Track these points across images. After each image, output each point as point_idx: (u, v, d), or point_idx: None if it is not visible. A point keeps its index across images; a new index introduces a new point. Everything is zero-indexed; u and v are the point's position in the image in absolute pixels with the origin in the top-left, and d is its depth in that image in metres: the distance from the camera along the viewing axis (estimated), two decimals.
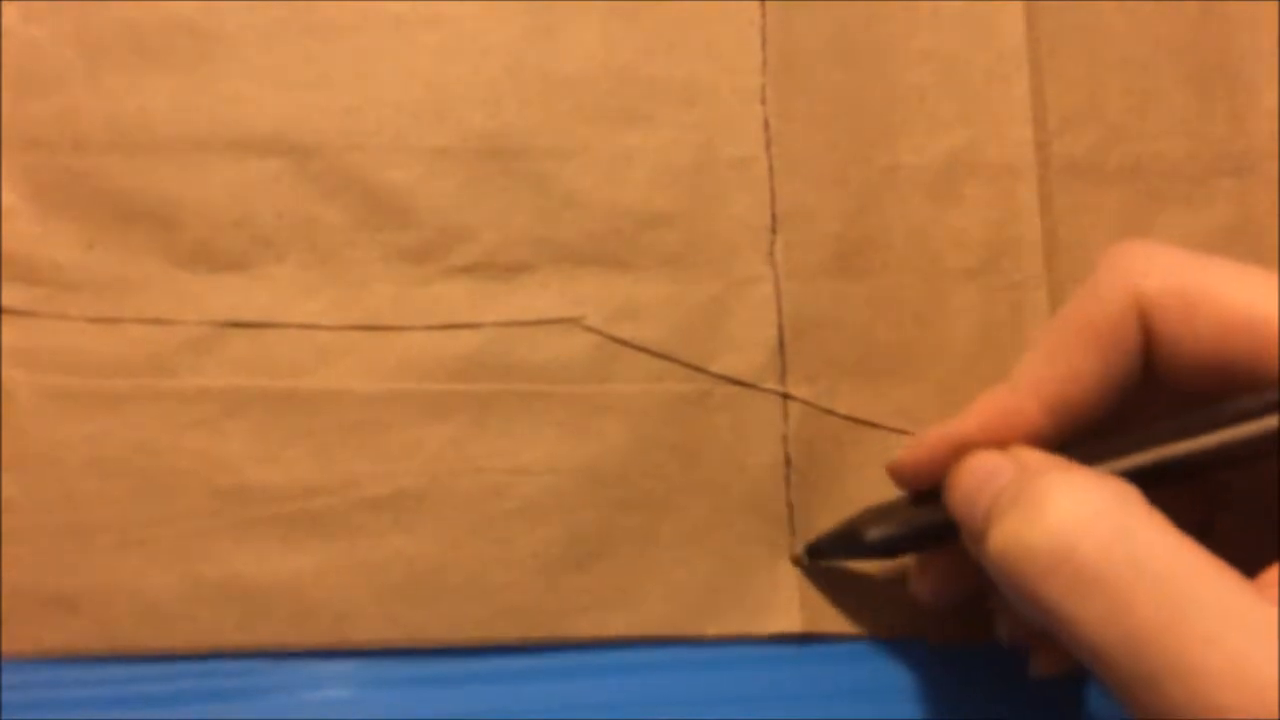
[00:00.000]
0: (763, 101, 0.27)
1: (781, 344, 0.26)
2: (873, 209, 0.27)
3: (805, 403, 0.25)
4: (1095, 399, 0.21)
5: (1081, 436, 0.21)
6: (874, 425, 0.26)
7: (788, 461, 0.25)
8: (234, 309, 0.25)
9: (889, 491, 0.24)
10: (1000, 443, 0.21)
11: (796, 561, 0.25)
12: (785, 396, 0.25)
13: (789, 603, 0.24)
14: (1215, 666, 0.16)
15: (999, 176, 0.28)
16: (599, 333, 0.25)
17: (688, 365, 0.25)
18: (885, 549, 0.23)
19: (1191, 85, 0.28)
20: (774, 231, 0.26)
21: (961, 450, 0.21)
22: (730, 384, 0.25)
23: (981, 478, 0.20)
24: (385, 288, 0.25)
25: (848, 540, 0.24)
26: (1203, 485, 0.22)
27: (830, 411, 0.25)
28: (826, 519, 0.25)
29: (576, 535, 0.24)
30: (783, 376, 0.25)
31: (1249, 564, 0.18)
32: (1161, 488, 0.19)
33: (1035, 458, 0.20)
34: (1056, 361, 0.21)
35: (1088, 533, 0.18)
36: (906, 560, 0.24)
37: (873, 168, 0.27)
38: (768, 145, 0.27)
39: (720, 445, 0.25)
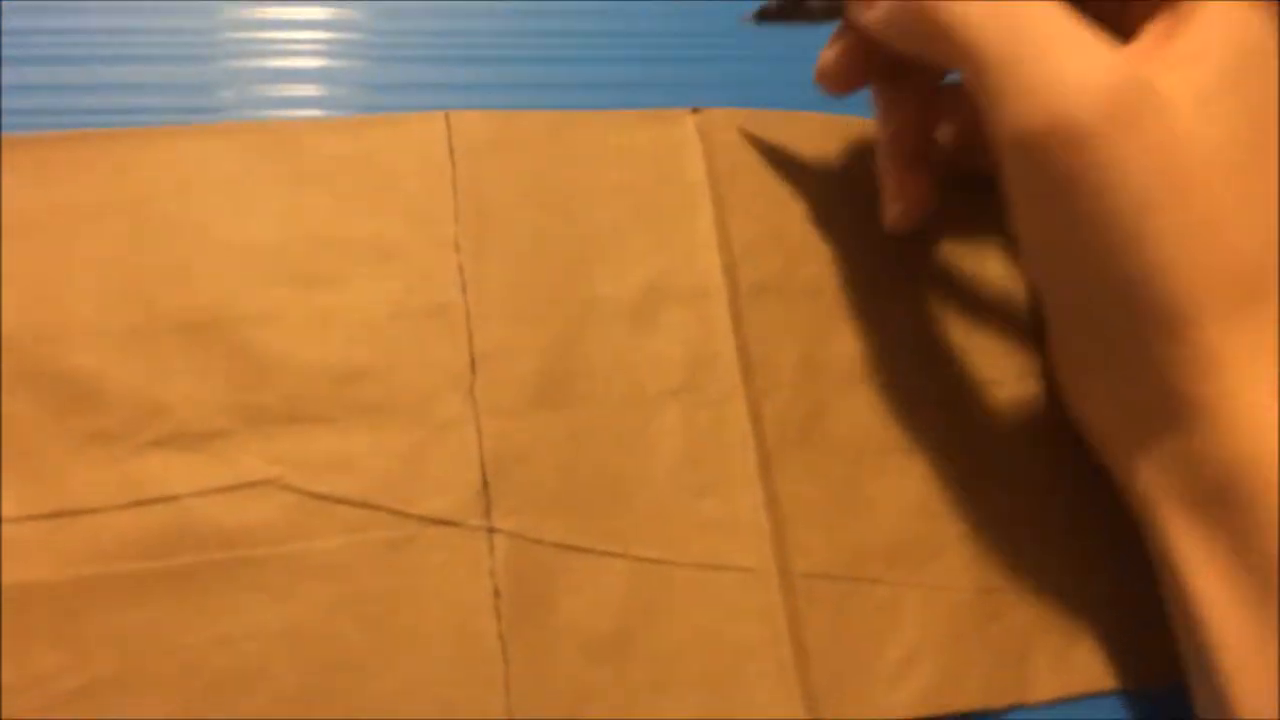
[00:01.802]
0: (457, 249, 0.28)
1: (485, 482, 0.26)
2: (573, 342, 0.28)
3: (511, 534, 0.26)
4: None
5: None
6: (581, 550, 0.26)
7: (497, 594, 0.25)
8: None
9: (609, 614, 0.26)
10: None
11: (746, 20, 0.29)
12: (490, 530, 0.26)
13: None
14: (1064, 51, 0.22)
15: (693, 299, 0.29)
16: (299, 490, 0.25)
17: (390, 511, 0.26)
18: (820, 13, 0.28)
19: (866, 205, 0.30)
20: (474, 373, 0.27)
21: None
22: (435, 525, 0.26)
23: None
24: (78, 473, 0.25)
25: (794, 2, 0.28)
26: None
27: (537, 540, 0.26)
28: (542, 647, 0.25)
29: (280, 704, 0.24)
30: (488, 512, 0.26)
31: None
32: None
33: None
34: None
35: None
36: None
37: (571, 302, 0.28)
38: (463, 289, 0.28)
39: (428, 589, 0.25)
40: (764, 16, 0.29)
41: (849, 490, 0.28)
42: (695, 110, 0.31)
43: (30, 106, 0.28)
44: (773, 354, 0.29)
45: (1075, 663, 0.27)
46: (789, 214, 0.30)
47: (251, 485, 0.25)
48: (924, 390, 0.29)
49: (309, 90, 0.30)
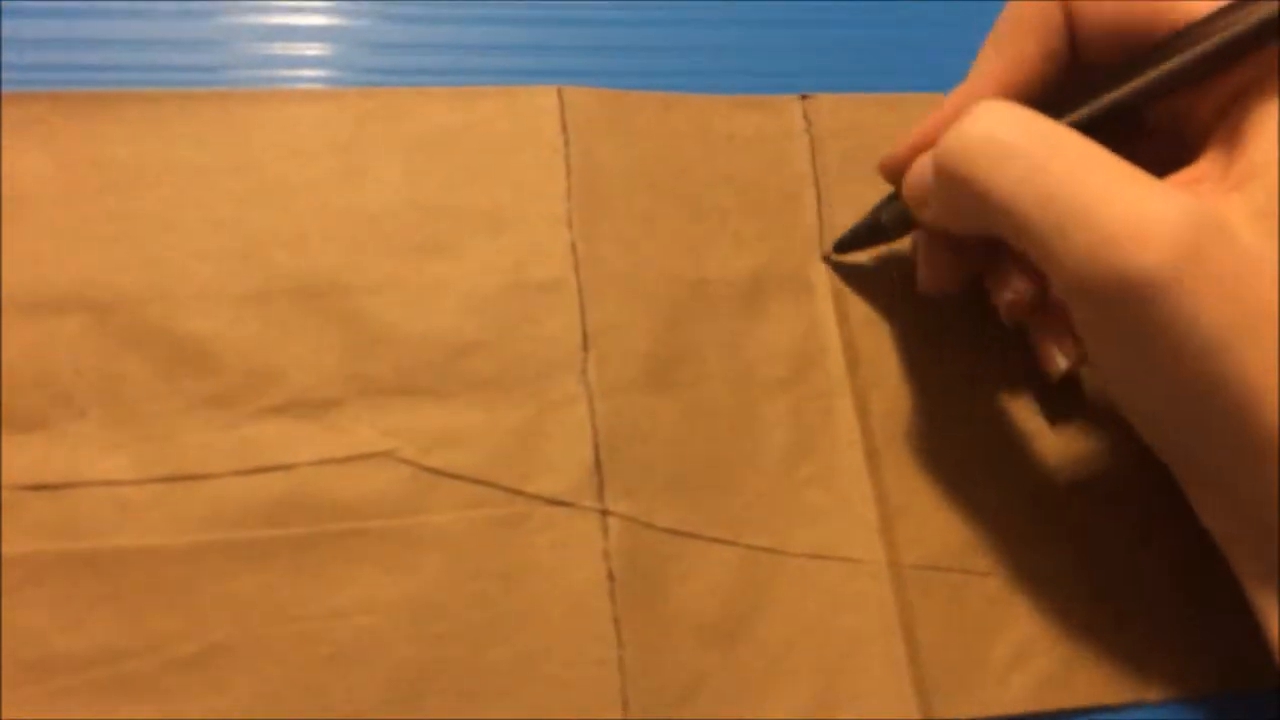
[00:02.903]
0: (569, 225, 0.28)
1: (598, 462, 0.26)
2: (683, 325, 0.28)
3: (624, 517, 0.25)
4: (1037, 76, 0.25)
5: None
6: (693, 536, 0.26)
7: (611, 577, 0.25)
8: (34, 471, 0.24)
9: (719, 600, 0.26)
10: None
11: (826, 259, 0.29)
12: (604, 513, 0.25)
13: None
14: (1113, 209, 0.21)
15: (799, 291, 0.29)
16: (413, 464, 0.25)
17: (504, 489, 0.25)
18: (894, 228, 0.28)
19: None
20: (585, 350, 0.27)
21: (932, 143, 0.25)
22: (548, 505, 0.25)
23: (927, 158, 0.25)
24: (191, 437, 0.25)
25: (869, 226, 0.28)
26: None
27: (650, 525, 0.26)
28: (655, 630, 0.25)
29: (395, 676, 0.23)
30: (601, 493, 0.26)
31: None
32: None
33: None
34: (1003, 50, 0.25)
35: (1007, 122, 0.22)
36: None
37: (680, 285, 0.28)
38: (576, 267, 0.27)
39: (542, 567, 0.25)
40: (843, 247, 0.29)
41: (959, 483, 0.28)
42: (803, 96, 0.31)
43: (29, 62, 0.27)
44: (879, 348, 0.28)
45: (1193, 661, 0.27)
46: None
47: (367, 457, 0.25)
48: (1035, 383, 0.29)
49: (313, 49, 0.29)
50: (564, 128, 0.29)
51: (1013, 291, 0.26)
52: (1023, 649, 0.26)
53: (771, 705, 0.25)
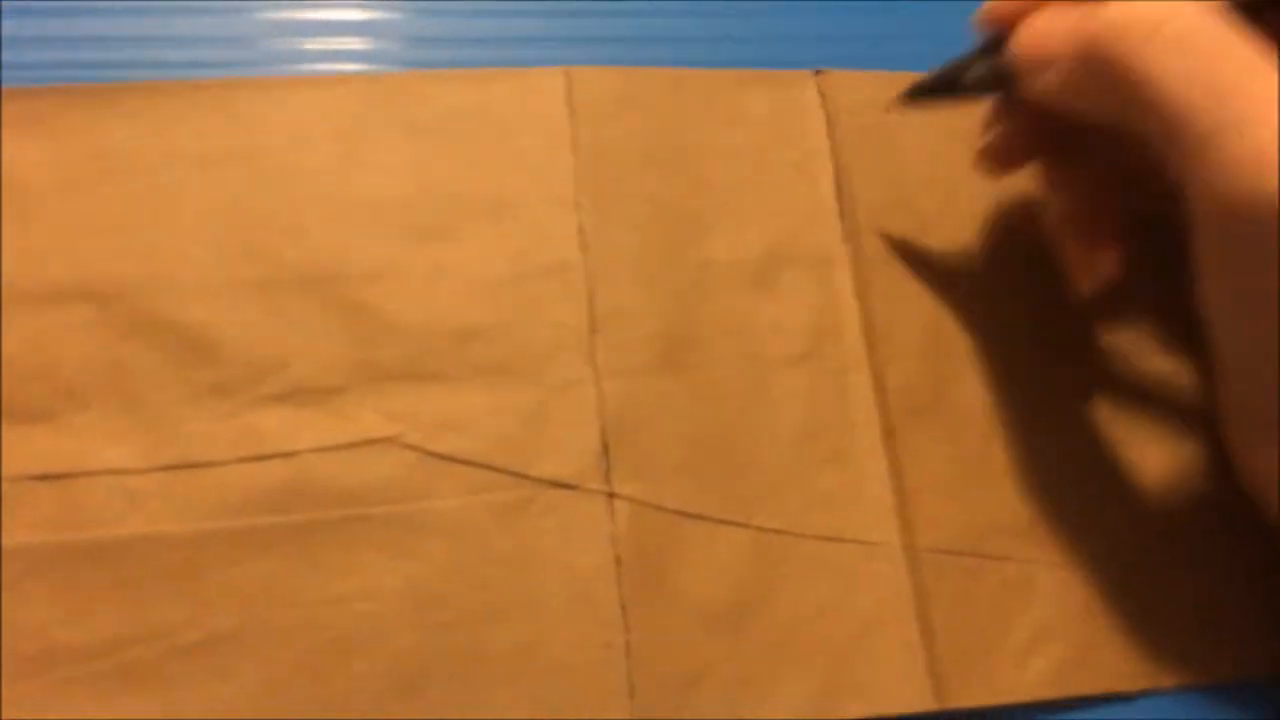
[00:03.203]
0: (576, 207, 0.27)
1: (605, 444, 0.25)
2: (693, 305, 0.27)
3: (632, 500, 0.25)
4: None
5: None
6: (702, 518, 0.25)
7: (618, 562, 0.25)
8: (39, 461, 0.24)
9: (728, 584, 0.25)
10: None
11: (893, 106, 0.27)
12: (611, 496, 0.25)
13: (621, 711, 0.24)
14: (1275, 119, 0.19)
15: (815, 266, 0.28)
16: (417, 449, 0.25)
17: (509, 473, 0.25)
18: (978, 88, 0.25)
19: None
20: (594, 333, 0.26)
21: None
22: (554, 488, 0.25)
23: (1054, 16, 0.23)
24: (195, 425, 0.24)
25: (950, 78, 0.26)
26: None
27: (658, 507, 0.25)
28: (662, 615, 0.24)
29: (399, 663, 0.23)
30: (608, 476, 0.25)
31: None
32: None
33: None
34: None
35: (1180, 10, 0.21)
36: None
37: (690, 264, 0.28)
38: (584, 249, 0.27)
39: (548, 551, 0.25)
40: (917, 93, 0.27)
41: (977, 464, 0.27)
42: (817, 72, 0.30)
43: (48, 60, 0.27)
44: (898, 323, 0.28)
45: (1207, 649, 0.26)
46: (915, 179, 0.29)
47: (370, 443, 0.25)
48: (1056, 362, 0.28)
49: (351, 44, 0.29)
50: (571, 109, 0.28)
51: (1078, 196, 0.25)
52: (1038, 635, 0.25)
53: (779, 691, 0.24)
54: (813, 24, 0.32)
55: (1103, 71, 0.22)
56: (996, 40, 0.25)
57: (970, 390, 0.28)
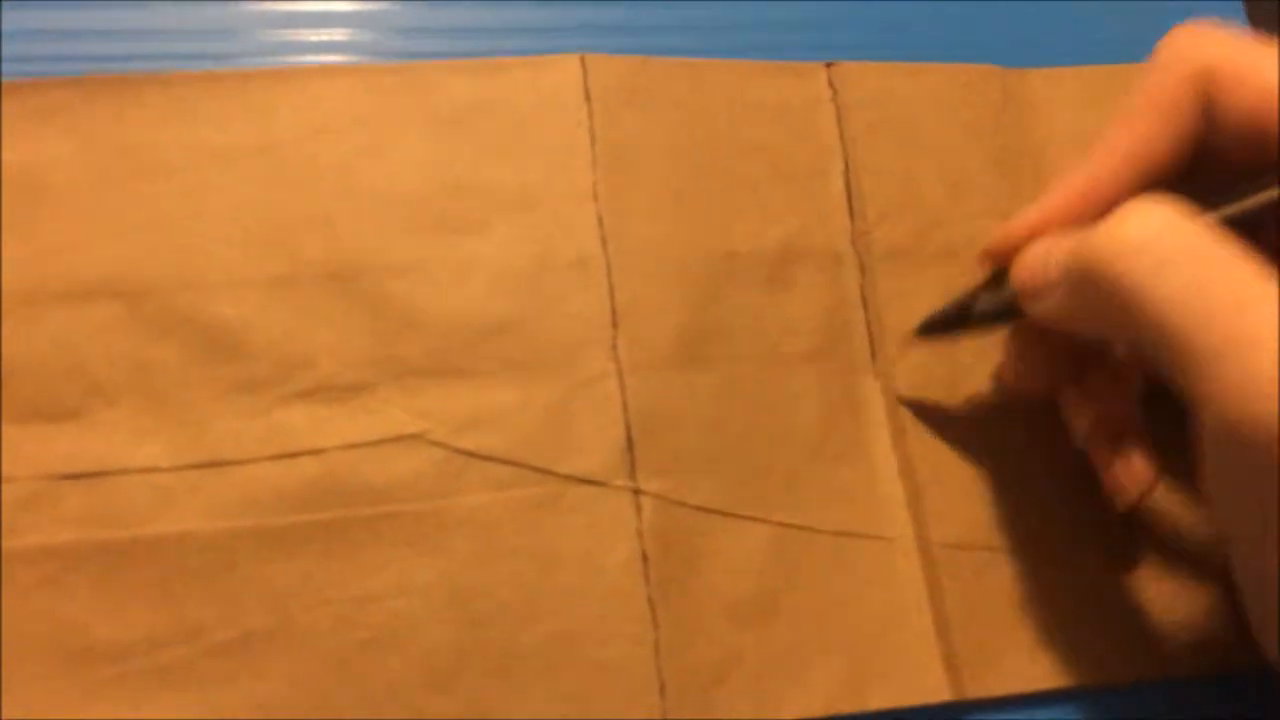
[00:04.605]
0: (595, 199, 0.27)
1: (630, 440, 0.26)
2: (711, 299, 0.27)
3: (657, 496, 0.25)
4: (1165, 162, 0.24)
5: None
6: (725, 514, 0.26)
7: (644, 557, 0.25)
8: (69, 460, 0.24)
9: (751, 579, 0.25)
10: (1083, 219, 0.23)
11: (909, 341, 0.27)
12: (636, 492, 0.25)
13: (651, 706, 0.24)
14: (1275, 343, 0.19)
15: (826, 263, 0.28)
16: (444, 446, 0.25)
17: (536, 469, 0.25)
18: (991, 318, 0.26)
19: (998, 168, 0.30)
20: (615, 327, 0.27)
21: (1048, 227, 0.24)
22: (581, 484, 0.25)
23: (1048, 245, 0.23)
24: (223, 423, 0.25)
25: (960, 312, 0.26)
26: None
27: (682, 503, 0.26)
28: (689, 611, 0.25)
29: (431, 658, 0.24)
30: (633, 472, 0.26)
31: None
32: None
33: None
34: (1133, 125, 0.24)
35: (1170, 229, 0.20)
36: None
37: (709, 258, 0.28)
38: (603, 242, 0.27)
39: (576, 548, 0.25)
40: (930, 328, 0.27)
41: (984, 460, 0.27)
42: (829, 64, 0.30)
43: (40, 54, 0.27)
44: (906, 321, 0.28)
45: (1216, 640, 0.27)
46: (924, 174, 0.29)
47: (398, 440, 0.25)
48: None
49: (339, 35, 0.29)
50: (587, 97, 0.28)
51: (1100, 407, 0.25)
52: (1049, 626, 0.26)
53: (804, 683, 0.25)
54: (823, 9, 0.32)
55: (1099, 293, 0.21)
56: (1001, 272, 0.25)
57: (978, 386, 0.28)
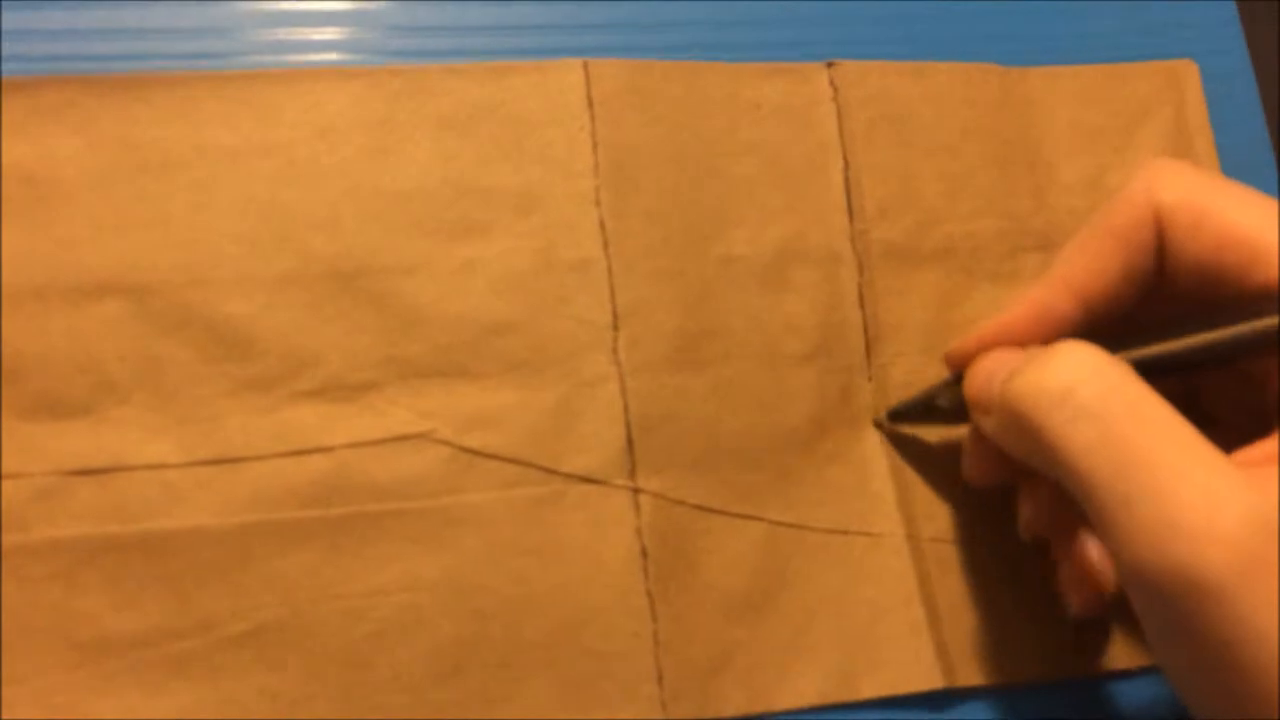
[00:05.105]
0: (597, 203, 0.28)
1: (630, 441, 0.26)
2: (710, 300, 0.28)
3: (655, 495, 0.26)
4: (1116, 291, 0.24)
5: (1102, 336, 0.23)
6: (721, 512, 0.26)
7: (644, 554, 0.26)
8: (80, 456, 0.24)
9: (746, 574, 0.26)
10: (1035, 335, 0.25)
11: (878, 425, 0.28)
12: (636, 491, 0.26)
13: (650, 697, 0.25)
14: (1184, 495, 0.19)
15: (824, 263, 0.29)
16: (450, 444, 0.26)
17: (539, 468, 0.26)
18: (952, 414, 0.26)
19: (996, 166, 0.30)
20: (616, 329, 0.27)
21: (1003, 340, 0.25)
22: (582, 483, 0.26)
23: (995, 363, 0.24)
24: (233, 419, 0.25)
25: (924, 405, 0.27)
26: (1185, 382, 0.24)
27: (680, 502, 0.26)
28: (686, 605, 0.26)
29: (437, 651, 0.24)
30: (633, 472, 0.26)
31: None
32: (1154, 379, 0.21)
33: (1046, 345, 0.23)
34: (1086, 254, 0.24)
35: (1088, 379, 0.21)
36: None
37: (708, 259, 0.28)
38: (605, 245, 0.28)
39: (577, 544, 0.26)
40: (897, 417, 0.28)
41: None
42: (829, 64, 0.30)
43: (40, 53, 0.27)
44: (902, 319, 0.29)
45: None
46: (923, 172, 0.30)
47: (404, 438, 0.26)
48: None
49: (328, 34, 0.29)
50: (589, 102, 0.29)
51: (1037, 513, 0.26)
52: (1039, 617, 0.27)
53: (798, 674, 0.26)
54: (823, 9, 0.32)
55: (1022, 431, 0.22)
56: (960, 374, 0.26)
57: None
